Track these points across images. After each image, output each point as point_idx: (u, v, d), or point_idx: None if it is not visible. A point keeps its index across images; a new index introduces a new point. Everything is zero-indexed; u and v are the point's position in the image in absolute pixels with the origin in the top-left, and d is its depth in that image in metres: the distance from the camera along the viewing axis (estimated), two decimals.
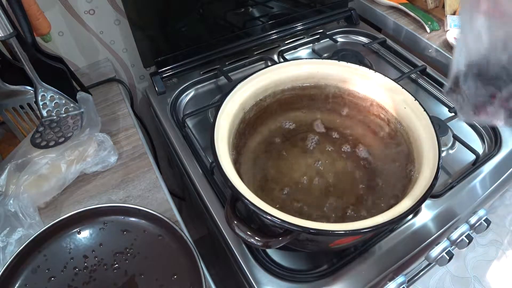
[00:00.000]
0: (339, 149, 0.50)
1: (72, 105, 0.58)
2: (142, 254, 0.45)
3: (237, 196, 0.38)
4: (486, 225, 0.61)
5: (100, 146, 0.57)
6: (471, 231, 0.60)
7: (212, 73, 0.75)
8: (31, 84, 0.54)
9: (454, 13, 0.84)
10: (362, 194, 0.45)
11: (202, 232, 0.86)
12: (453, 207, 0.55)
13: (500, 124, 0.36)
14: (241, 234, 0.38)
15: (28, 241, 0.44)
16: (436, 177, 0.40)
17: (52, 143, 0.53)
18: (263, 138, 0.51)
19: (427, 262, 0.63)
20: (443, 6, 0.86)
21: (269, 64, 0.76)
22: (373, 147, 0.50)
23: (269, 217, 0.36)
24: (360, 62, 0.75)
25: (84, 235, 0.47)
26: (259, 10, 0.77)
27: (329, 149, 0.50)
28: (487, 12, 0.30)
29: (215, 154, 0.41)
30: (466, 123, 0.66)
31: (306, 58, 0.70)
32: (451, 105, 0.69)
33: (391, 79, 0.51)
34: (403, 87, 0.49)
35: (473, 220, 0.60)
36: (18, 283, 0.42)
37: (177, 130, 0.65)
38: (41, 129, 0.55)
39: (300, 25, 0.83)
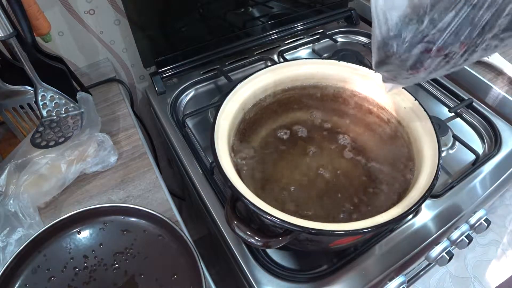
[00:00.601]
0: (339, 149, 0.50)
1: (72, 105, 0.58)
2: (142, 254, 0.45)
3: (237, 196, 0.38)
4: (486, 225, 0.61)
5: (100, 146, 0.57)
6: (471, 231, 0.60)
7: (212, 73, 0.75)
8: (31, 84, 0.54)
9: None
10: (362, 194, 0.45)
11: (202, 232, 0.86)
12: (453, 207, 0.55)
13: (441, 74, 0.36)
14: (241, 234, 0.38)
15: (28, 241, 0.43)
16: (436, 177, 0.40)
17: (52, 143, 0.53)
18: (263, 138, 0.51)
19: (427, 262, 0.63)
20: None
21: (269, 64, 0.76)
22: (373, 147, 0.50)
23: (269, 217, 0.36)
24: (360, 62, 0.75)
25: (84, 235, 0.47)
26: (259, 10, 0.77)
27: (329, 149, 0.50)
28: None
29: (215, 154, 0.41)
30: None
31: (306, 58, 0.70)
32: (451, 105, 0.69)
33: None
34: (403, 87, 0.49)
35: (473, 220, 0.60)
36: (18, 283, 0.42)
37: (177, 130, 0.65)
38: (41, 129, 0.55)
39: (300, 25, 0.83)
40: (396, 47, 0.35)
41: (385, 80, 0.42)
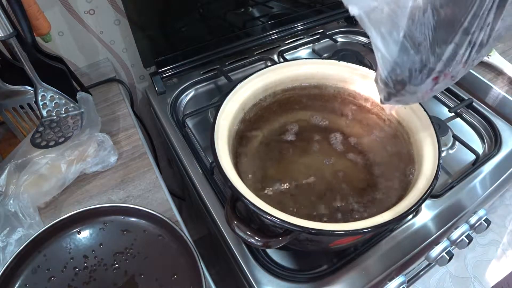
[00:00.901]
0: (339, 149, 0.50)
1: (72, 105, 0.58)
2: (142, 254, 0.45)
3: (237, 196, 0.38)
4: (486, 225, 0.61)
5: (100, 146, 0.57)
6: (471, 231, 0.60)
7: (212, 73, 0.75)
8: (31, 84, 0.54)
9: None
10: (362, 194, 0.45)
11: (202, 232, 0.86)
12: (453, 207, 0.55)
13: (446, 87, 0.39)
14: (241, 234, 0.38)
15: (28, 241, 0.43)
16: (436, 177, 0.40)
17: (52, 143, 0.53)
18: (263, 138, 0.51)
19: (427, 262, 0.63)
20: None
21: (269, 64, 0.76)
22: (373, 147, 0.50)
23: (269, 217, 0.36)
24: (360, 62, 0.75)
25: (84, 235, 0.47)
26: (259, 10, 0.77)
27: (329, 149, 0.50)
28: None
29: (215, 154, 0.41)
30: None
31: (306, 58, 0.70)
32: (451, 105, 0.69)
33: None
34: None
35: (473, 220, 0.60)
36: (18, 283, 0.42)
37: (177, 130, 0.65)
38: (41, 129, 0.55)
39: (300, 25, 0.83)
40: (403, 82, 0.36)
41: (385, 102, 0.42)
